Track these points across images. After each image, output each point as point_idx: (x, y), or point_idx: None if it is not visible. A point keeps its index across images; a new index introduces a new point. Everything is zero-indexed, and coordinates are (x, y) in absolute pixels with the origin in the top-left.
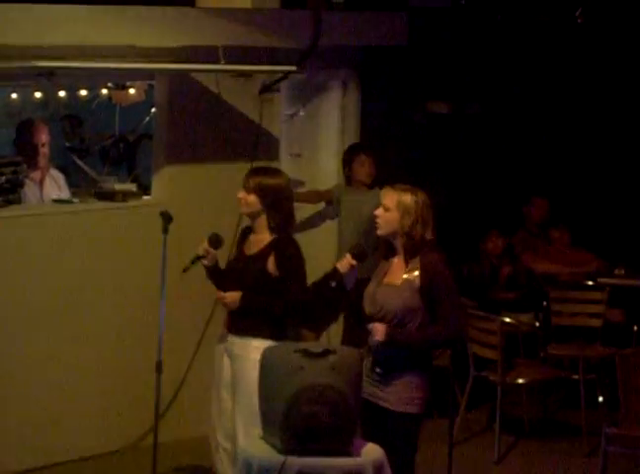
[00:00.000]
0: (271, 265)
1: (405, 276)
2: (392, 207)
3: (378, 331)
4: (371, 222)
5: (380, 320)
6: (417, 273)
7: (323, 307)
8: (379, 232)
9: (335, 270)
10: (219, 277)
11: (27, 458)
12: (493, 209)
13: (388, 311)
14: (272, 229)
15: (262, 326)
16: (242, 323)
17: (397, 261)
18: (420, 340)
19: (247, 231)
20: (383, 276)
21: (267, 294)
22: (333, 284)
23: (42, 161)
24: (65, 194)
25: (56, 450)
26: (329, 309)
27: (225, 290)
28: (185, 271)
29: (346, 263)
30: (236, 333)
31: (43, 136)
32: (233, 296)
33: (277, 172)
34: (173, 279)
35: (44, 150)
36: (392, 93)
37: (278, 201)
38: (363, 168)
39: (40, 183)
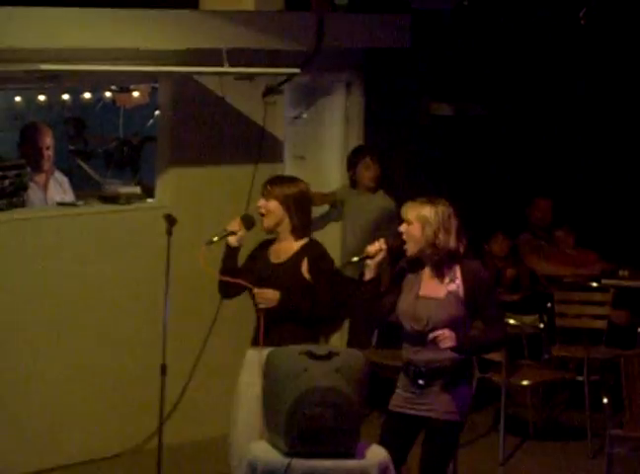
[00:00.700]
0: (304, 270)
1: (447, 287)
2: (413, 220)
3: (448, 338)
4: (375, 225)
5: (426, 334)
6: (458, 282)
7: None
8: (409, 252)
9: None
10: (233, 267)
11: (31, 461)
12: (497, 211)
13: (436, 324)
14: (296, 234)
15: (297, 334)
16: (277, 333)
17: (427, 273)
18: (483, 343)
19: (268, 243)
20: (418, 289)
21: (300, 298)
22: (354, 259)
23: (47, 164)
24: (69, 197)
25: (60, 453)
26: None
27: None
28: (209, 243)
29: (377, 245)
30: (270, 345)
31: (48, 140)
32: (273, 292)
33: (294, 179)
34: (177, 282)
35: (49, 153)
36: (395, 95)
37: (301, 206)
38: (368, 171)
39: (45, 186)
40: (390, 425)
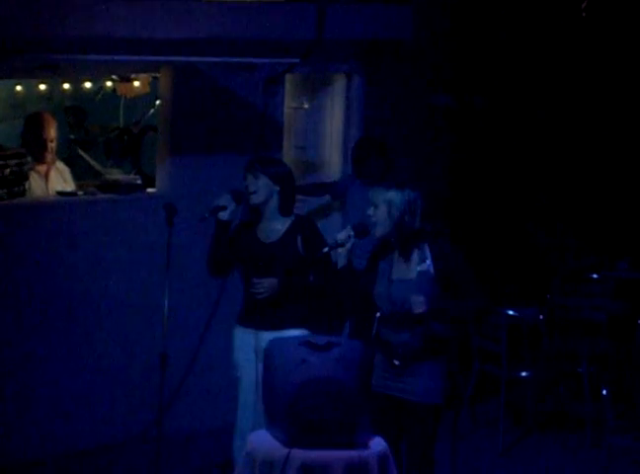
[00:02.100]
0: (299, 245)
1: (418, 268)
2: (380, 204)
3: (421, 302)
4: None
5: (404, 315)
6: (428, 262)
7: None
8: (377, 235)
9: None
10: (225, 242)
11: (32, 450)
12: (497, 202)
13: (410, 306)
14: (285, 212)
15: (298, 315)
16: (276, 316)
17: (397, 256)
18: (454, 312)
19: (253, 222)
20: (389, 273)
21: (299, 276)
22: (325, 250)
23: (50, 156)
24: (71, 186)
25: (61, 442)
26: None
27: (251, 278)
28: (202, 220)
29: (345, 233)
30: (271, 328)
31: (52, 131)
32: (271, 280)
33: (278, 159)
34: (177, 271)
35: (52, 146)
36: (396, 86)
37: (288, 183)
38: (371, 162)
39: (46, 175)
40: (375, 405)
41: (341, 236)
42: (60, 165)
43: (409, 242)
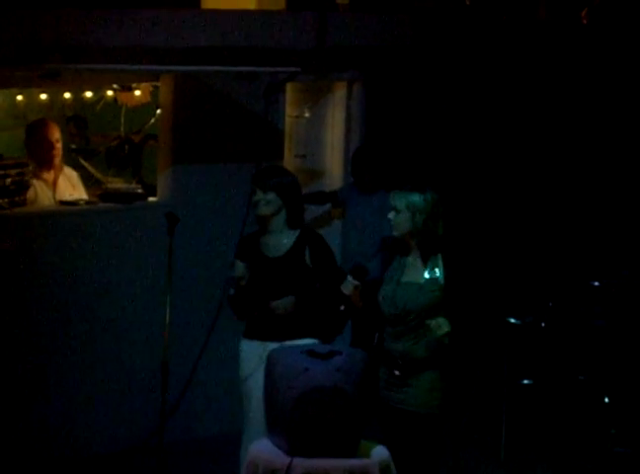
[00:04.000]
0: (306, 259)
1: (429, 274)
2: (403, 209)
3: (438, 326)
4: (374, 224)
5: (402, 319)
6: (439, 270)
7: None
8: (395, 233)
9: (341, 294)
10: (247, 298)
11: (34, 458)
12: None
13: (411, 310)
14: (293, 225)
15: (305, 325)
16: (285, 327)
17: (412, 260)
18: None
19: (256, 236)
20: (400, 275)
21: (308, 289)
22: (342, 308)
23: (57, 159)
24: (80, 193)
25: (64, 449)
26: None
27: (261, 297)
28: (229, 297)
29: (350, 285)
30: (279, 338)
31: (56, 133)
32: (286, 301)
33: (285, 169)
34: (179, 280)
35: (58, 146)
36: (397, 94)
37: (296, 196)
38: (370, 170)
39: (54, 184)
40: (381, 415)
41: (348, 290)
42: (69, 171)
43: (429, 247)
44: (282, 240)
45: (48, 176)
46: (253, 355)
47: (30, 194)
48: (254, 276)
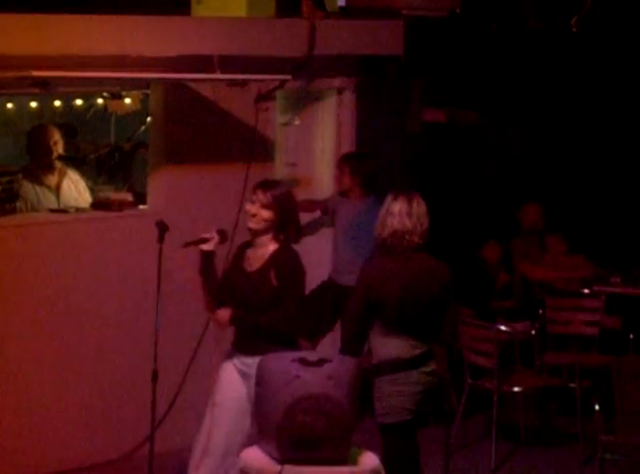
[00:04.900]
0: (273, 278)
1: None
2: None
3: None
4: (361, 231)
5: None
6: None
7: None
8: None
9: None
10: (211, 276)
11: (21, 468)
12: (490, 217)
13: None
14: (283, 241)
15: (272, 345)
16: (252, 342)
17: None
18: None
19: (245, 246)
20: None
21: (272, 308)
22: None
23: (56, 162)
24: (85, 199)
25: (52, 460)
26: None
27: (227, 304)
28: (185, 246)
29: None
30: (247, 352)
31: (55, 136)
32: (223, 313)
33: (281, 183)
34: (169, 288)
35: (57, 148)
36: (387, 102)
37: (292, 213)
38: (359, 178)
39: (57, 189)
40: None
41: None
42: (74, 175)
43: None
44: (261, 256)
45: (50, 181)
46: (228, 362)
47: (31, 200)
48: (230, 288)
